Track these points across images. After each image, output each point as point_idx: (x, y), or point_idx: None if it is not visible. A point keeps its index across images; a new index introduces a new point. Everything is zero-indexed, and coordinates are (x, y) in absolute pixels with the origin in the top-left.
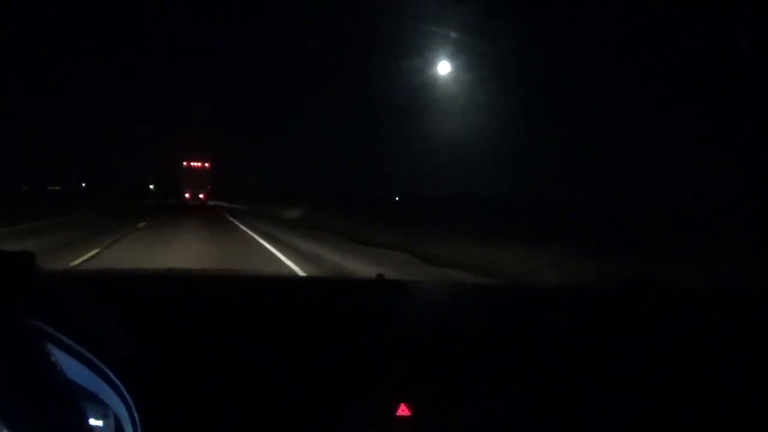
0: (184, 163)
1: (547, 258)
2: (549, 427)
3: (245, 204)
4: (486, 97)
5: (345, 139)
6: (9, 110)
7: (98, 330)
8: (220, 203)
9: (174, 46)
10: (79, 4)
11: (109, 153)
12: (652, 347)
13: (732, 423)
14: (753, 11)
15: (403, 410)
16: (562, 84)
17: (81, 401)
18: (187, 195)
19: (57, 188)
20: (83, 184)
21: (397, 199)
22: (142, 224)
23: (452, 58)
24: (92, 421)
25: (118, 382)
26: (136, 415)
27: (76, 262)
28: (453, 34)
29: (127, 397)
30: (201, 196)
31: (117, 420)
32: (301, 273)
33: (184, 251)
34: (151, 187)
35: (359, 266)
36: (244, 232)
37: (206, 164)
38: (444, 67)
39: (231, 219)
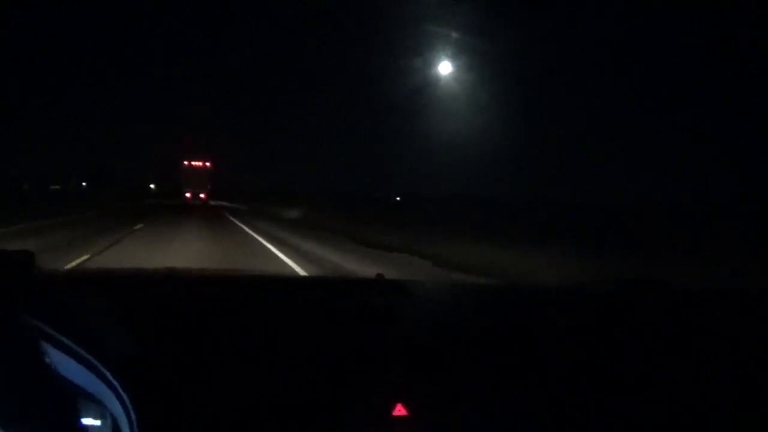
0: (185, 163)
1: (562, 258)
2: (549, 427)
3: (246, 204)
4: (486, 97)
5: (345, 139)
6: (9, 110)
7: (97, 330)
8: (221, 203)
9: (174, 46)
10: (79, 4)
11: (109, 153)
12: (652, 347)
13: (732, 423)
14: (753, 11)
15: (399, 410)
16: (562, 84)
17: (77, 401)
18: (187, 195)
19: (57, 187)
20: (83, 184)
21: (398, 199)
22: (139, 225)
23: (452, 58)
24: (90, 421)
25: (115, 383)
26: (133, 415)
27: (74, 263)
28: (453, 35)
29: (124, 397)
30: (202, 195)
31: (114, 420)
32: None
33: (184, 251)
34: (152, 186)
35: (361, 268)
36: (246, 232)
37: (207, 164)
38: (445, 67)
39: (231, 219)
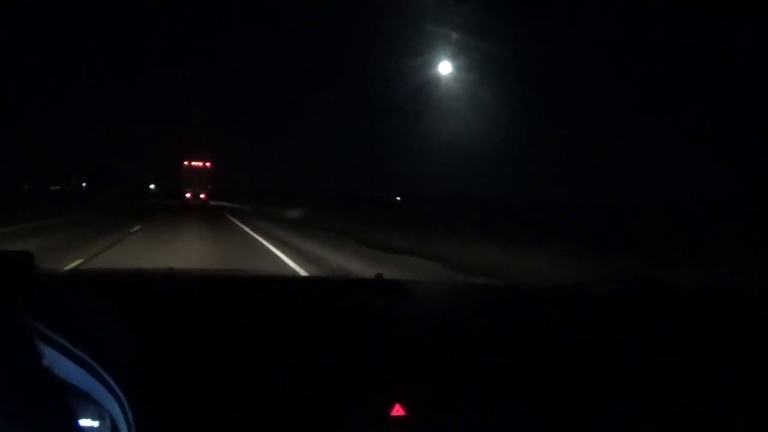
0: (185, 163)
1: (569, 257)
2: (549, 427)
3: (245, 204)
4: (486, 97)
5: (345, 139)
6: (9, 110)
7: (96, 331)
8: (221, 203)
9: (174, 46)
10: (79, 4)
11: (109, 153)
12: (652, 347)
13: (732, 423)
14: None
15: (397, 410)
16: (562, 84)
17: (75, 402)
18: (188, 195)
19: (57, 188)
20: (83, 185)
21: (398, 198)
22: (137, 227)
23: (452, 58)
24: (88, 422)
25: (113, 384)
26: (130, 416)
27: (74, 264)
28: (453, 35)
29: (122, 398)
30: (202, 196)
31: (113, 421)
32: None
33: (185, 252)
34: (152, 187)
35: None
36: (246, 232)
37: (207, 164)
38: (445, 67)
39: (231, 219)
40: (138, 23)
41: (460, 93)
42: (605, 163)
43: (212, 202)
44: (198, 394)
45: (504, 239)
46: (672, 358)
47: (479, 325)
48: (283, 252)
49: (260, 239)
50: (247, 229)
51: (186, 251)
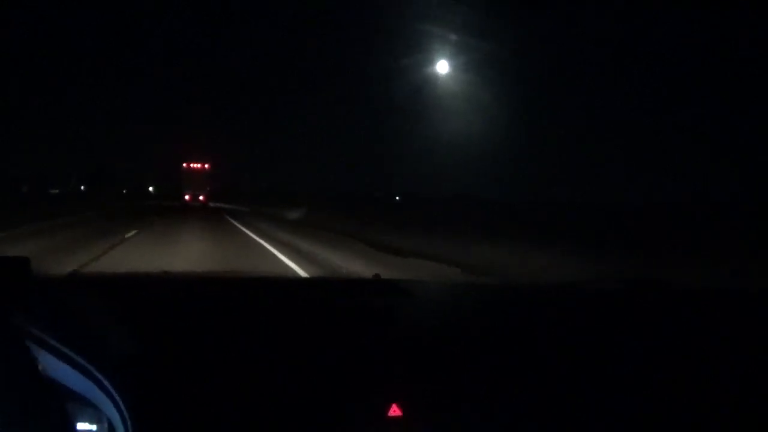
0: (185, 165)
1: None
2: (549, 427)
3: (245, 205)
4: (486, 97)
5: (345, 139)
6: (9, 110)
7: (94, 334)
8: (220, 205)
9: (174, 46)
10: (79, 4)
11: (109, 153)
12: (652, 347)
13: (732, 423)
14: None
15: (394, 410)
16: (562, 84)
17: (73, 406)
18: (187, 197)
19: (57, 191)
20: (82, 187)
21: (397, 198)
22: (133, 232)
23: (452, 58)
24: (86, 426)
25: (110, 387)
26: (128, 419)
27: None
28: (453, 35)
29: (119, 401)
30: (201, 197)
31: (111, 424)
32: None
33: (185, 252)
34: (150, 189)
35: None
36: (246, 233)
37: (206, 166)
38: (443, 67)
39: (231, 220)
40: (138, 23)
41: (460, 93)
42: (605, 163)
43: (211, 204)
44: (196, 395)
45: (504, 239)
46: (672, 358)
47: (479, 324)
48: (284, 254)
49: (262, 242)
50: (248, 231)
51: (186, 251)
